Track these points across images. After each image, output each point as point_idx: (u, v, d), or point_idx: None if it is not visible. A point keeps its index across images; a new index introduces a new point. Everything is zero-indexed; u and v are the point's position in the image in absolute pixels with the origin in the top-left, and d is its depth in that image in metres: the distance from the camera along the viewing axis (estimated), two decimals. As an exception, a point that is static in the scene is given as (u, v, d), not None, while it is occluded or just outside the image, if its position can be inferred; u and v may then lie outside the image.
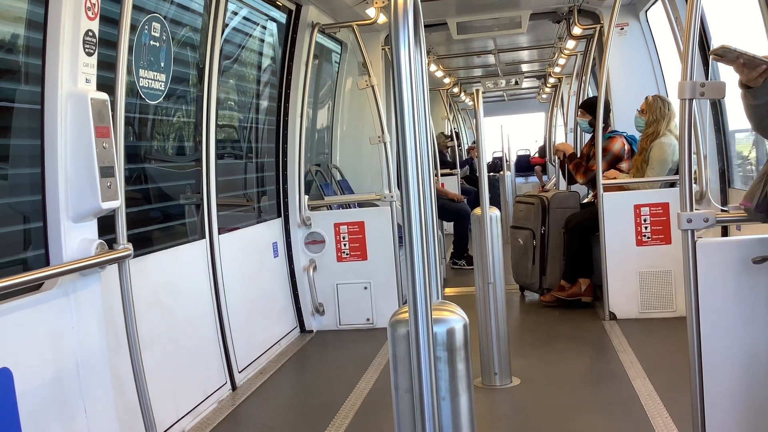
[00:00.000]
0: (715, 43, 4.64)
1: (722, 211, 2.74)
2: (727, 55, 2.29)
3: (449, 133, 12.20)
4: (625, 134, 5.88)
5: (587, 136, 6.56)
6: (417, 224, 1.53)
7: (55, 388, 2.60)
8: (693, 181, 2.68)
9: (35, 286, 2.60)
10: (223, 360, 4.23)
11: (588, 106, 6.05)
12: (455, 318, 1.69)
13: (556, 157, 7.26)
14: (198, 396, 3.89)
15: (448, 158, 10.95)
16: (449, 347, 1.66)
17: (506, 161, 11.00)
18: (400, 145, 1.55)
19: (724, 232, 4.42)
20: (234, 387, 4.29)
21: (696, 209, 2.66)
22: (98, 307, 2.82)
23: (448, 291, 6.85)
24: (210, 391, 4.03)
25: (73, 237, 2.71)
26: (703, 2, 2.65)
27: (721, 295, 2.62)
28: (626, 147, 5.79)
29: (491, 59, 10.42)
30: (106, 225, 2.88)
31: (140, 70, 3.57)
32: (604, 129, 5.82)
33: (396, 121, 1.57)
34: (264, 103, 5.62)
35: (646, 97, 5.56)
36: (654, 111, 5.44)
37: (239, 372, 4.39)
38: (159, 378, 3.41)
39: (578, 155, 6.33)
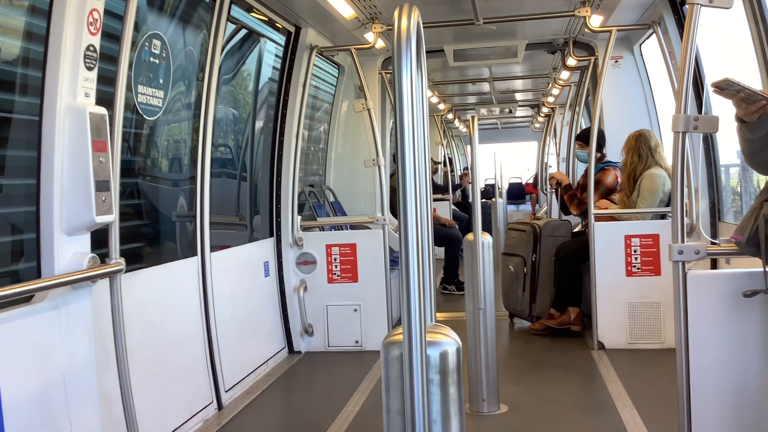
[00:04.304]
0: (708, 79, 4.70)
1: (712, 243, 2.77)
2: (728, 88, 2.32)
3: (439, 159, 12.27)
4: (618, 165, 5.91)
5: (581, 166, 6.61)
6: (413, 246, 1.54)
7: (41, 402, 2.57)
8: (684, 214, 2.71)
9: (26, 299, 2.59)
10: (210, 378, 4.21)
11: (585, 137, 6.09)
12: (449, 341, 1.70)
13: (549, 185, 7.29)
14: (184, 414, 3.86)
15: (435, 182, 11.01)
16: (442, 370, 1.66)
17: (498, 188, 11.06)
18: (399, 169, 1.56)
19: (713, 265, 4.44)
20: (220, 406, 4.26)
21: (687, 242, 2.68)
22: (88, 322, 2.81)
23: (438, 316, 6.82)
24: (196, 409, 4.00)
25: (66, 250, 2.70)
26: (698, 38, 2.70)
27: (711, 327, 2.64)
28: (619, 179, 5.83)
29: (486, 87, 10.51)
30: (98, 239, 2.87)
31: (139, 86, 3.59)
32: (600, 159, 5.87)
33: (396, 146, 1.58)
34: (260, 123, 5.64)
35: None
36: (624, 146, 5.51)
37: (226, 391, 4.36)
38: (146, 394, 3.38)
39: (572, 185, 6.35)
